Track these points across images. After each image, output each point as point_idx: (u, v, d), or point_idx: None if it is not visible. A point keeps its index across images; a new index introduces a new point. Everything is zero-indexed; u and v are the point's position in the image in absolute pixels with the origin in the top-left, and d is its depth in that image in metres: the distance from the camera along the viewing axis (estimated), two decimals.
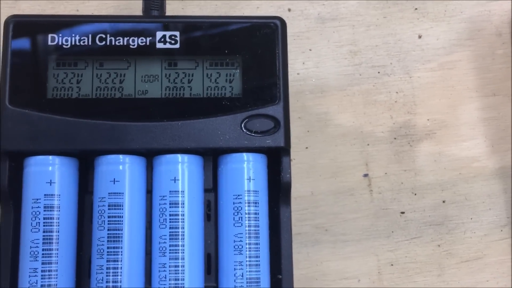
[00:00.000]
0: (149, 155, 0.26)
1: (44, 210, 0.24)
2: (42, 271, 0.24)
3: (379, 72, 0.32)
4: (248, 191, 0.25)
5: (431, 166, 0.31)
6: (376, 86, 0.32)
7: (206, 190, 0.26)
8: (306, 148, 0.31)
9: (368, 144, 0.31)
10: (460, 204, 0.31)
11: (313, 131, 0.31)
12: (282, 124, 0.25)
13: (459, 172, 0.31)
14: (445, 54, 0.32)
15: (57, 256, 0.24)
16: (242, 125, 0.25)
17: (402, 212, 0.31)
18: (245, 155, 0.25)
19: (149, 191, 0.26)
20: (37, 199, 0.24)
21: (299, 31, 0.32)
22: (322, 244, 0.30)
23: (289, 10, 0.32)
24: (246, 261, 0.25)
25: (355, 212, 0.30)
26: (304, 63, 0.32)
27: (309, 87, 0.31)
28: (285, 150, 0.25)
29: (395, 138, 0.31)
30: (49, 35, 0.25)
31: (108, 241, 0.24)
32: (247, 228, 0.25)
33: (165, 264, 0.24)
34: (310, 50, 0.32)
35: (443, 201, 0.31)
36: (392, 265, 0.30)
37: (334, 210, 0.30)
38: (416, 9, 0.33)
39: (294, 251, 0.30)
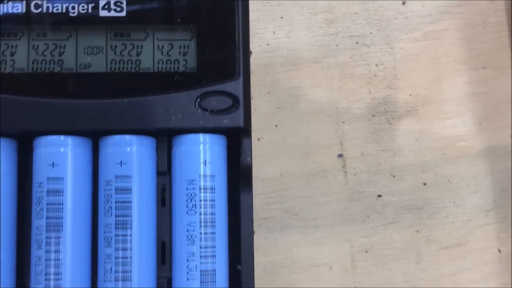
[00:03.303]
0: (95, 136, 0.23)
1: None
2: None
3: (357, 43, 0.29)
4: (204, 175, 0.23)
5: (411, 146, 0.29)
6: (353, 58, 0.29)
7: (160, 173, 0.24)
8: (276, 126, 0.29)
9: (343, 122, 0.29)
10: (442, 186, 0.29)
11: (283, 108, 0.29)
12: (242, 102, 0.23)
13: (442, 152, 0.29)
14: (431, 22, 0.30)
15: None
16: (197, 103, 0.23)
17: (379, 195, 0.29)
18: (201, 136, 0.23)
19: (96, 176, 0.23)
20: None
21: None
22: (291, 229, 0.28)
23: None
24: (200, 252, 0.23)
25: (327, 195, 0.28)
26: (274, 33, 0.29)
27: (280, 59, 0.29)
28: (245, 130, 0.23)
29: (373, 115, 0.29)
30: None
31: (47, 230, 0.22)
32: (201, 216, 0.23)
33: (110, 255, 0.22)
34: (281, 18, 0.29)
35: (424, 184, 0.29)
36: (366, 251, 0.28)
37: (305, 193, 0.28)
38: None
39: (261, 236, 0.28)
